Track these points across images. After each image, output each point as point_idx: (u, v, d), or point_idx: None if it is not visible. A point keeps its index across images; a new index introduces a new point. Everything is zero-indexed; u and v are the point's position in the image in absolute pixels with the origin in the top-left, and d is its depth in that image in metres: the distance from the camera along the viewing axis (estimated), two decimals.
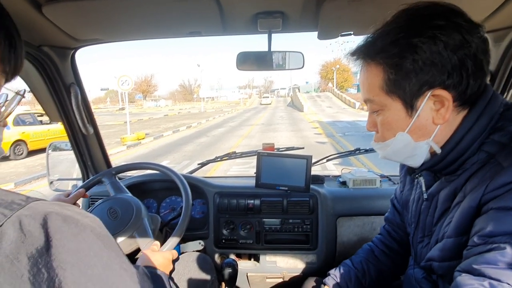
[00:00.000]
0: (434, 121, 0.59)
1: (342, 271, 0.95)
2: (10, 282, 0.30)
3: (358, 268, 0.94)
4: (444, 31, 0.55)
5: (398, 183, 0.92)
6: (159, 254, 0.88)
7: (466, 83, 0.56)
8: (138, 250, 0.98)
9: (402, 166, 0.89)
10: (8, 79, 0.47)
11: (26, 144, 9.14)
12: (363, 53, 0.63)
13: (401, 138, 0.62)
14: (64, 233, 0.35)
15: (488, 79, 1.12)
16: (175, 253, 0.96)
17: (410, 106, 0.59)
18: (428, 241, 0.70)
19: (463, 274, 0.52)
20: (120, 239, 0.95)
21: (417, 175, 0.72)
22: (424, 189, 0.71)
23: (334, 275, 0.95)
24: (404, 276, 0.87)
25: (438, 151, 0.62)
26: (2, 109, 0.50)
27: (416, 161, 0.65)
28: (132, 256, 0.98)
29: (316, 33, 1.06)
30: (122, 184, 1.17)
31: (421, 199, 0.73)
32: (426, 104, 0.59)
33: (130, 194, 1.12)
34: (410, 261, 0.83)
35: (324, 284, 0.94)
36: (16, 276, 0.30)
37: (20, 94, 0.53)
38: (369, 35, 0.63)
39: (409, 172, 0.76)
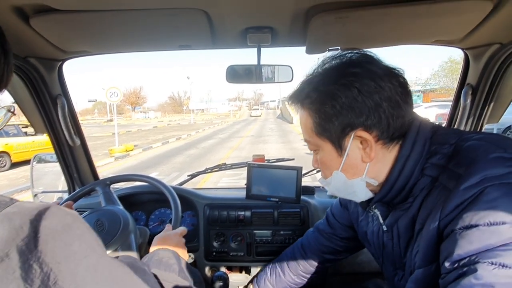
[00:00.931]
0: (363, 159, 0.64)
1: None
2: (2, 279, 0.29)
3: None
4: (358, 78, 0.60)
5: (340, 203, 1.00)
6: (169, 235, 0.91)
7: (386, 122, 0.61)
8: None
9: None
10: None
11: (10, 156, 8.86)
12: (295, 99, 0.68)
13: (337, 177, 0.67)
14: (55, 227, 0.34)
15: (470, 93, 1.17)
16: (183, 230, 0.97)
17: (338, 146, 0.64)
18: (402, 273, 0.71)
19: None
20: None
21: (372, 208, 0.74)
22: (381, 221, 0.72)
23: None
24: None
25: (375, 184, 0.66)
26: None
27: (358, 197, 0.69)
28: None
29: (304, 47, 1.09)
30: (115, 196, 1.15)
31: (380, 231, 0.74)
32: (352, 144, 0.63)
33: (121, 207, 1.10)
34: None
35: None
36: (8, 273, 0.29)
37: (11, 112, 0.53)
38: (300, 82, 0.69)
39: (363, 206, 0.78)
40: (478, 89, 1.15)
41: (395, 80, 0.61)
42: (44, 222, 0.34)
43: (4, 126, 0.54)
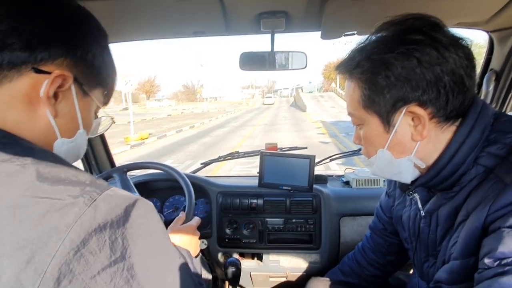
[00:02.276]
0: (413, 137, 0.58)
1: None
2: (97, 246, 0.36)
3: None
4: (419, 47, 0.54)
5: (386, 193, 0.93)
6: (183, 229, 0.93)
7: (444, 99, 0.55)
8: None
9: (390, 181, 0.88)
10: (105, 102, 0.58)
11: None
12: (344, 68, 0.63)
13: (382, 155, 0.62)
14: (140, 214, 0.43)
15: (493, 79, 1.12)
16: (198, 221, 0.99)
17: (386, 121, 0.59)
18: (434, 261, 0.68)
19: None
20: None
21: (411, 192, 0.69)
22: (420, 206, 0.68)
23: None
24: (408, 283, 0.86)
25: (423, 166, 0.61)
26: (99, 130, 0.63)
27: (404, 178, 0.64)
28: None
29: (319, 33, 1.06)
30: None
31: (418, 216, 0.71)
32: (403, 120, 0.58)
33: (137, 194, 1.12)
34: (415, 272, 0.81)
35: None
36: (101, 241, 0.37)
37: (113, 120, 0.65)
38: (350, 50, 0.63)
39: (402, 188, 0.74)
40: (502, 75, 1.10)
41: (461, 51, 0.55)
42: (134, 208, 0.42)
43: (105, 131, 0.66)
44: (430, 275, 0.69)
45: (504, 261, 0.48)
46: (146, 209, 0.44)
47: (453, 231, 0.60)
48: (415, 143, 0.59)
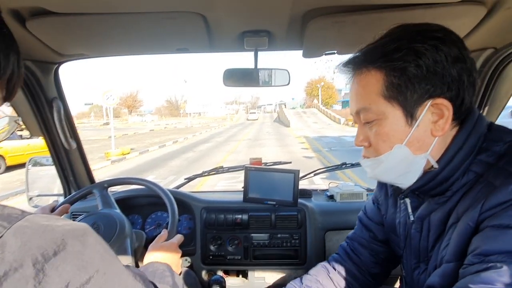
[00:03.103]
0: (432, 133, 0.58)
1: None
2: None
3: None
4: (444, 42, 0.56)
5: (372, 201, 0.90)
6: (164, 247, 0.90)
7: (462, 98, 0.57)
8: None
9: (380, 188, 0.86)
10: (6, 98, 0.48)
11: (4, 159, 8.79)
12: (360, 61, 0.61)
13: (398, 151, 0.59)
14: (70, 237, 0.36)
15: None
16: (180, 238, 0.96)
17: (410, 114, 0.58)
18: (425, 267, 0.67)
19: None
20: None
21: (403, 196, 0.69)
22: (410, 211, 0.68)
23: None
24: None
25: (436, 165, 0.60)
26: None
27: (408, 179, 0.62)
28: None
29: (301, 51, 1.10)
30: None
31: (408, 222, 0.70)
32: (425, 114, 0.57)
33: (118, 210, 1.09)
34: (401, 285, 0.80)
35: None
36: (21, 284, 0.30)
37: (17, 122, 0.54)
38: (363, 47, 0.62)
39: (395, 194, 0.74)
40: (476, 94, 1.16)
41: (470, 56, 0.57)
42: (57, 233, 0.35)
43: (9, 135, 0.54)
44: (421, 282, 0.68)
45: (488, 258, 0.49)
46: (76, 231, 0.37)
47: (444, 235, 0.60)
48: (433, 139, 0.59)
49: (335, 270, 0.90)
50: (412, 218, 0.68)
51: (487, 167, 0.56)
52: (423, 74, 0.56)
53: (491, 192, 0.53)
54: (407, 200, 0.69)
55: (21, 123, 0.55)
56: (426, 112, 0.57)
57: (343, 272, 0.89)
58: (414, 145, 0.59)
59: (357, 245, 0.91)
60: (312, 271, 0.92)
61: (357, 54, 0.63)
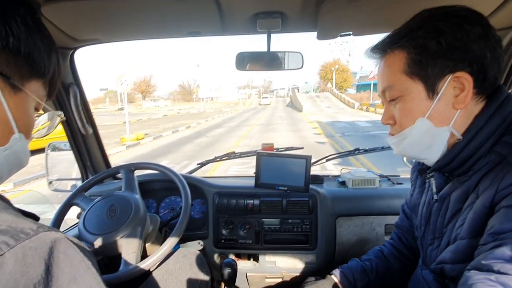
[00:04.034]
0: (454, 106, 0.60)
1: (349, 264, 0.95)
2: None
3: (366, 264, 0.94)
4: (468, 20, 0.58)
5: (397, 184, 0.92)
6: None
7: (484, 72, 0.58)
8: (118, 256, 0.96)
9: (414, 169, 0.88)
10: (49, 95, 0.51)
11: None
12: (387, 43, 0.65)
13: (421, 125, 0.62)
14: (71, 259, 0.36)
15: None
16: None
17: (431, 88, 0.60)
18: (438, 243, 0.69)
19: (472, 271, 0.52)
20: (104, 241, 0.95)
21: (428, 176, 0.71)
22: (435, 190, 0.70)
23: (342, 267, 0.94)
24: (412, 276, 0.86)
25: (459, 136, 0.61)
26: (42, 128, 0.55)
27: (433, 153, 0.64)
28: (112, 260, 0.97)
29: (315, 33, 1.07)
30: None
31: (432, 201, 0.72)
32: (446, 88, 0.59)
33: (138, 195, 1.11)
34: (419, 262, 0.82)
35: (331, 274, 0.93)
36: None
37: (60, 117, 0.56)
38: (387, 34, 0.66)
39: (420, 172, 0.75)
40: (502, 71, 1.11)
41: (495, 34, 0.59)
42: (60, 254, 0.35)
43: (53, 130, 0.57)
44: (433, 257, 0.70)
45: (502, 236, 0.50)
46: (73, 260, 0.36)
47: (461, 214, 0.62)
48: (455, 112, 0.60)
49: (388, 250, 0.97)
50: (436, 197, 0.70)
51: (511, 148, 0.57)
52: (443, 50, 0.58)
53: (509, 171, 0.54)
54: (432, 180, 0.71)
55: (64, 117, 0.57)
56: (448, 86, 0.59)
57: (396, 252, 0.95)
58: (436, 118, 0.61)
59: (401, 231, 0.96)
60: (370, 251, 1.00)
61: (384, 38, 0.66)
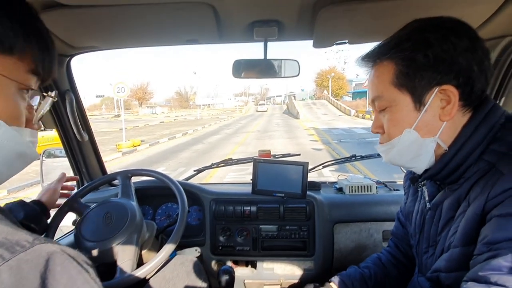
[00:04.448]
0: (440, 117, 0.61)
1: (348, 271, 0.95)
2: None
3: (364, 271, 0.94)
4: (455, 33, 0.59)
5: (394, 190, 0.92)
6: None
7: (471, 85, 0.59)
8: (114, 263, 0.95)
9: (406, 178, 0.89)
10: (43, 80, 0.49)
11: None
12: (376, 53, 0.66)
13: (408, 135, 0.63)
14: (68, 271, 0.35)
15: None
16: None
17: (418, 100, 0.61)
18: (433, 251, 0.70)
19: (469, 283, 0.52)
20: (100, 248, 0.94)
21: (420, 184, 0.72)
22: (427, 198, 0.71)
23: (341, 275, 0.94)
24: (409, 284, 0.86)
25: (445, 147, 0.62)
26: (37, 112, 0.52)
27: (421, 163, 0.65)
28: (108, 267, 0.95)
29: (311, 41, 1.08)
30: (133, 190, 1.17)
31: (425, 210, 0.73)
32: (433, 100, 0.60)
33: (134, 202, 1.10)
34: (415, 269, 0.82)
35: (330, 282, 0.93)
36: None
37: (51, 97, 0.54)
38: (378, 43, 0.66)
39: (412, 181, 0.75)
40: (489, 83, 1.13)
41: (483, 46, 0.60)
42: (56, 267, 0.35)
43: (47, 110, 0.55)
44: (428, 266, 0.70)
45: (496, 246, 0.50)
46: (69, 275, 0.36)
47: (454, 222, 0.62)
48: (441, 124, 0.62)
49: (385, 257, 0.97)
50: (428, 205, 0.71)
51: (499, 156, 0.57)
52: (430, 62, 0.59)
53: (498, 179, 0.54)
54: (425, 189, 0.72)
55: (56, 98, 0.56)
56: (434, 98, 0.60)
57: (393, 259, 0.96)
58: (423, 129, 0.62)
59: (397, 239, 0.97)
60: (368, 259, 1.00)
61: (373, 48, 0.67)
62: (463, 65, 0.58)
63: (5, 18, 0.43)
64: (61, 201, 1.11)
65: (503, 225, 0.51)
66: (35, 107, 0.52)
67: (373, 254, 1.01)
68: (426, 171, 0.66)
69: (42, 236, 0.39)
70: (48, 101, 0.54)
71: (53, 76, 0.51)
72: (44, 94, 0.54)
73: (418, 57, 0.59)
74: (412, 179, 0.74)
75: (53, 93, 0.54)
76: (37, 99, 0.53)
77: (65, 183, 1.14)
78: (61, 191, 1.11)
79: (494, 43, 1.04)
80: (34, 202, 1.00)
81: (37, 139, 0.51)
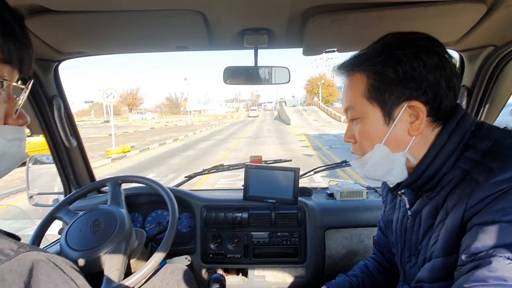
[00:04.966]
0: (409, 132, 0.63)
1: (337, 280, 0.95)
2: None
3: (352, 280, 0.94)
4: (425, 50, 0.60)
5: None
6: None
7: (439, 101, 0.61)
8: (101, 273, 0.92)
9: (384, 186, 0.90)
10: (20, 70, 0.47)
11: None
12: (350, 64, 0.67)
13: (379, 150, 0.65)
14: (53, 280, 0.35)
15: (465, 94, 1.18)
16: None
17: (388, 115, 0.63)
18: (415, 261, 0.70)
19: None
20: (86, 258, 0.92)
21: (399, 193, 0.73)
22: (408, 206, 0.72)
23: (330, 284, 0.94)
24: None
25: (414, 162, 0.64)
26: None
27: (394, 176, 0.67)
28: (94, 277, 0.93)
29: (301, 49, 1.10)
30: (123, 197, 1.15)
31: (405, 218, 0.74)
32: (402, 115, 0.62)
33: (124, 210, 1.08)
34: (400, 278, 0.82)
35: None
36: None
37: (25, 87, 0.50)
38: (354, 53, 0.68)
39: (391, 190, 0.76)
40: (473, 91, 1.16)
41: (452, 64, 0.62)
42: (40, 276, 0.34)
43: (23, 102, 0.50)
44: (412, 275, 0.71)
45: (478, 255, 0.51)
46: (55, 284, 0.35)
47: (433, 230, 0.63)
48: (410, 138, 0.63)
49: (372, 265, 0.98)
50: (409, 213, 0.71)
51: (473, 163, 0.59)
52: (400, 78, 0.60)
53: (474, 188, 0.55)
54: (404, 197, 0.72)
55: (29, 87, 0.50)
56: (403, 113, 0.62)
57: (379, 267, 0.96)
58: (392, 143, 0.64)
59: (381, 247, 0.98)
60: (355, 267, 1.00)
61: (349, 58, 0.68)
62: (431, 82, 0.60)
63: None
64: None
65: (482, 234, 0.51)
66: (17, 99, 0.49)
67: (361, 261, 1.02)
68: (404, 180, 0.67)
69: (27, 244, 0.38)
70: (23, 94, 0.50)
71: (30, 65, 0.48)
72: (20, 87, 0.50)
73: (388, 72, 0.61)
74: (391, 188, 0.74)
75: (30, 82, 0.51)
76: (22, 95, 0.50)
77: None
78: None
79: (477, 52, 1.08)
80: None
81: (24, 136, 0.47)
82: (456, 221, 0.56)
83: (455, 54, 1.15)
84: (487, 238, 0.50)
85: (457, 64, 1.21)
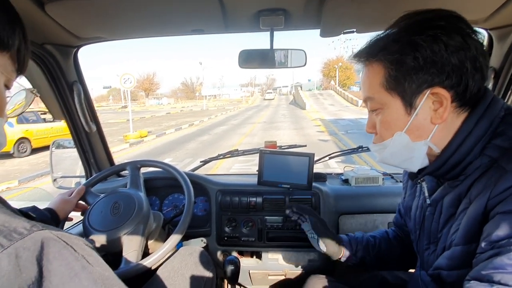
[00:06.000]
0: (432, 120, 0.59)
1: (356, 235, 0.99)
2: None
3: (370, 239, 0.97)
4: (445, 31, 0.56)
5: (400, 181, 0.92)
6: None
7: (464, 85, 0.57)
8: (120, 253, 0.96)
9: (405, 173, 0.88)
10: (19, 70, 0.49)
11: (30, 142, 9.20)
12: (365, 53, 0.64)
13: (399, 139, 0.62)
14: (65, 258, 0.36)
15: (492, 76, 1.12)
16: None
17: (409, 104, 0.60)
18: (434, 248, 0.69)
19: (472, 282, 0.51)
20: (107, 238, 0.95)
21: (419, 180, 0.71)
22: (427, 194, 0.70)
23: (349, 235, 0.99)
24: (411, 278, 0.86)
25: (437, 151, 0.61)
26: (13, 103, 0.51)
27: (413, 165, 0.65)
28: (113, 257, 0.97)
29: (318, 30, 1.06)
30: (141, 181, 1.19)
31: (424, 205, 0.72)
32: (425, 103, 0.59)
33: (142, 193, 1.12)
34: (417, 263, 0.82)
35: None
36: None
37: (33, 93, 0.54)
38: (371, 38, 0.64)
39: (411, 177, 0.74)
40: (501, 72, 1.09)
41: (477, 41, 0.57)
42: (52, 254, 0.35)
43: (28, 107, 0.55)
44: (430, 262, 0.70)
45: (499, 243, 0.49)
46: (67, 260, 0.36)
47: (455, 219, 0.61)
48: (433, 127, 0.60)
49: (393, 234, 0.99)
50: (428, 201, 0.70)
51: (502, 151, 0.56)
52: (420, 65, 0.57)
53: (501, 176, 0.53)
54: (424, 185, 0.71)
55: (38, 94, 0.55)
56: (426, 101, 0.59)
57: (399, 239, 0.97)
58: (414, 132, 0.61)
59: (397, 228, 0.99)
60: (376, 231, 1.02)
61: (365, 46, 0.65)
62: (455, 64, 0.56)
63: (2, 15, 0.43)
64: (74, 214, 1.13)
65: (506, 223, 0.49)
66: (18, 102, 0.52)
67: (382, 228, 1.04)
68: (424, 168, 0.65)
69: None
70: (31, 97, 0.54)
71: (25, 71, 0.50)
72: (30, 90, 0.53)
73: (407, 60, 0.57)
74: (411, 175, 0.73)
75: (34, 90, 0.54)
76: (21, 93, 0.53)
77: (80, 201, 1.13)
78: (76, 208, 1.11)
79: (508, 31, 1.01)
80: (46, 209, 1.01)
81: (2, 130, 0.49)
82: (479, 209, 0.55)
83: (483, 33, 1.08)
84: (509, 226, 0.49)
85: (485, 43, 1.14)
